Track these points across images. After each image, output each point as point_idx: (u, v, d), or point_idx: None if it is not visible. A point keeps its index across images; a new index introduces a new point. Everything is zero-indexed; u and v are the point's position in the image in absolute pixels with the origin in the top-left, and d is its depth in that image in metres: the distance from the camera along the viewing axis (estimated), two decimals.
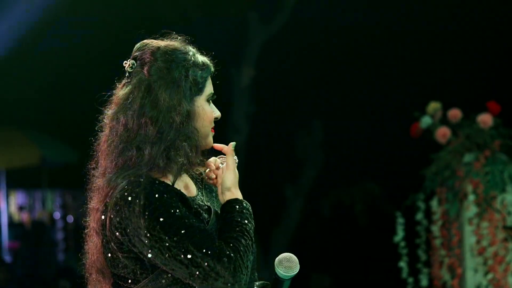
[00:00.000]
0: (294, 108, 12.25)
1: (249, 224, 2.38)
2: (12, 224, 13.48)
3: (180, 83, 2.41)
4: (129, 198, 2.31)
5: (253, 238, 2.37)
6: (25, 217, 14.27)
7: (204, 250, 2.25)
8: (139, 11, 11.27)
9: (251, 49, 11.18)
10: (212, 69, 2.51)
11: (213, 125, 2.49)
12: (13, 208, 14.23)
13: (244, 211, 2.40)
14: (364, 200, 12.50)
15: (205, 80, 2.47)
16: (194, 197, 2.48)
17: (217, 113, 2.51)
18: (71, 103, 12.59)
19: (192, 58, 2.45)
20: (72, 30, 11.20)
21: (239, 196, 2.44)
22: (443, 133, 6.18)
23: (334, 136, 12.07)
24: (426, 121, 6.28)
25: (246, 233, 2.35)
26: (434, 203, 6.18)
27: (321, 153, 12.22)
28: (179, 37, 2.53)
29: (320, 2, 11.31)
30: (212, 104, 2.50)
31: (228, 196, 2.43)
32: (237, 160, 2.50)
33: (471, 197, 5.98)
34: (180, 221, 2.28)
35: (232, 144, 2.50)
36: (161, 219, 2.27)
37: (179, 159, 2.38)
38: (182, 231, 2.26)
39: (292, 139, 12.30)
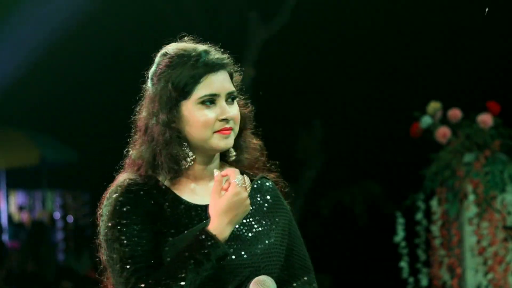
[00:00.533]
0: (294, 108, 12.25)
1: (193, 272, 2.22)
2: (12, 224, 13.48)
3: (161, 90, 2.36)
4: (107, 201, 2.36)
5: (183, 285, 2.21)
6: (25, 217, 14.28)
7: (122, 279, 2.26)
8: (139, 11, 11.27)
9: (251, 49, 11.17)
10: (215, 69, 2.39)
11: (215, 127, 2.35)
12: (13, 208, 14.23)
13: (202, 249, 2.24)
14: (364, 200, 12.50)
15: (195, 83, 2.35)
16: (203, 205, 2.38)
17: (222, 115, 2.36)
18: (71, 103, 12.60)
19: (183, 61, 2.38)
20: (71, 31, 11.19)
21: (216, 228, 2.27)
22: (443, 133, 6.17)
23: (334, 136, 12.07)
24: (426, 121, 6.27)
25: (176, 277, 2.22)
26: (434, 203, 6.18)
27: (321, 153, 12.21)
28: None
29: (321, 2, 11.30)
30: (215, 105, 2.37)
31: (210, 222, 2.31)
32: (245, 183, 2.32)
33: (471, 197, 5.98)
34: (117, 242, 2.29)
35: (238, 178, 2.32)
36: (107, 232, 2.31)
37: (161, 168, 2.36)
38: (114, 256, 2.28)
39: (292, 139, 12.30)
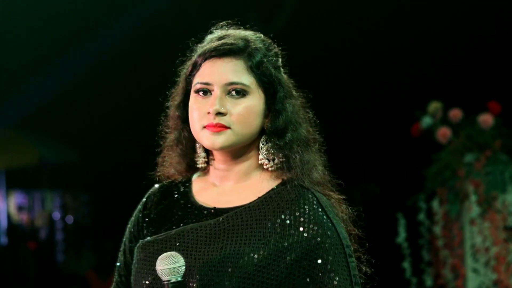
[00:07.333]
0: None
1: None
2: (11, 224, 13.46)
3: (180, 83, 2.18)
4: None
5: None
6: (24, 217, 14.25)
7: None
8: (135, 12, 11.25)
9: None
10: (215, 55, 2.09)
11: (203, 121, 2.06)
12: (12, 209, 14.21)
13: None
14: (364, 200, 12.48)
15: (193, 70, 2.12)
16: (206, 207, 2.16)
17: (209, 107, 2.05)
18: (71, 103, 12.58)
19: (197, 50, 2.16)
20: (68, 30, 11.19)
21: None
22: (443, 133, 6.16)
23: (334, 136, 12.06)
24: (426, 121, 6.27)
25: None
26: (435, 203, 6.17)
27: (321, 153, 12.18)
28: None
29: (321, 2, 11.29)
30: (210, 96, 2.08)
31: None
32: None
33: (472, 198, 5.97)
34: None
35: None
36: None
37: (169, 165, 2.22)
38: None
39: None
